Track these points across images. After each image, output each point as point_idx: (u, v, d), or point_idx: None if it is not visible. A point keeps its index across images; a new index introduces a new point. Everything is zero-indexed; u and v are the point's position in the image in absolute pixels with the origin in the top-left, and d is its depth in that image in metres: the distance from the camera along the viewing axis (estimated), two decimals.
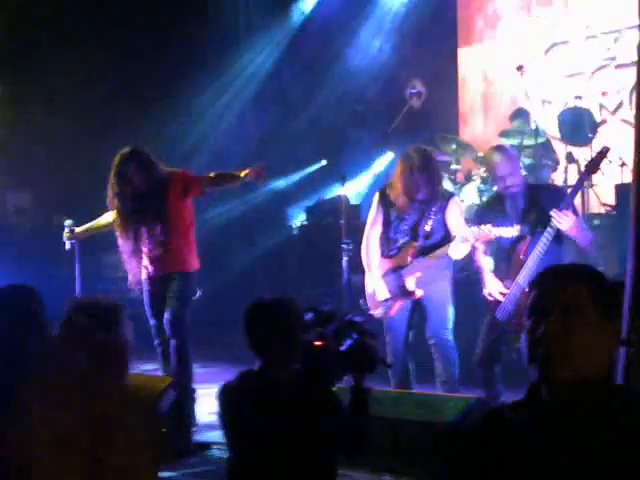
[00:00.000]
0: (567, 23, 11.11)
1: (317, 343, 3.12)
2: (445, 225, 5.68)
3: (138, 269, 5.92)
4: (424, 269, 5.63)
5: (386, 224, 5.89)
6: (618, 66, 10.69)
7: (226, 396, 3.19)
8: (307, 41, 11.35)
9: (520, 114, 9.24)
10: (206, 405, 5.64)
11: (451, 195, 5.89)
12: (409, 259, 5.72)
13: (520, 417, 2.01)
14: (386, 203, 5.87)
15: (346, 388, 3.20)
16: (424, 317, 5.82)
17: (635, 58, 4.36)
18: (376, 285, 5.87)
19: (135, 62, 11.53)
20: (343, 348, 3.09)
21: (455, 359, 5.85)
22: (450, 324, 5.82)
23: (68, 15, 11.43)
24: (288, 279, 10.25)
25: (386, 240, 5.90)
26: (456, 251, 5.49)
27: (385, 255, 5.89)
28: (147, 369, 6.55)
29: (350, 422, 3.06)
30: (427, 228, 5.66)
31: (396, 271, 5.77)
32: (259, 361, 3.14)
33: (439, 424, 4.36)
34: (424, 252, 5.66)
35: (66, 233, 6.30)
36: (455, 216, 5.69)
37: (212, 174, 6.09)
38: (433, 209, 5.64)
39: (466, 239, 5.34)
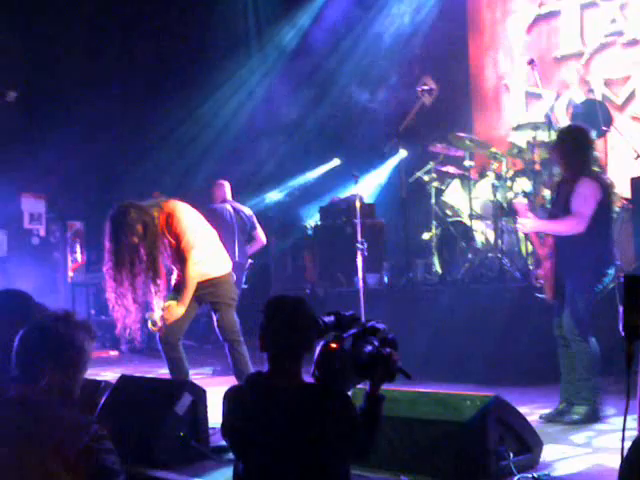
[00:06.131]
0: None
1: (332, 345, 3.10)
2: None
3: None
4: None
5: None
6: (627, 43, 9.16)
7: (233, 399, 3.17)
8: (318, 39, 11.32)
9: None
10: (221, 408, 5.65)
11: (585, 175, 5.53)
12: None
13: None
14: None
15: (362, 390, 3.17)
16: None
17: None
18: None
19: (142, 68, 11.56)
20: (363, 355, 3.06)
21: (581, 359, 5.48)
22: (580, 321, 5.46)
23: (78, 23, 11.47)
24: (303, 279, 10.23)
25: None
26: None
27: None
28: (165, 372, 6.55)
29: (359, 428, 3.02)
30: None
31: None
32: (268, 358, 3.13)
33: (456, 423, 4.32)
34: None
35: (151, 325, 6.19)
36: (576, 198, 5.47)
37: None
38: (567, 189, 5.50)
39: None
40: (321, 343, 3.15)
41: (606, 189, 5.55)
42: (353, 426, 3.00)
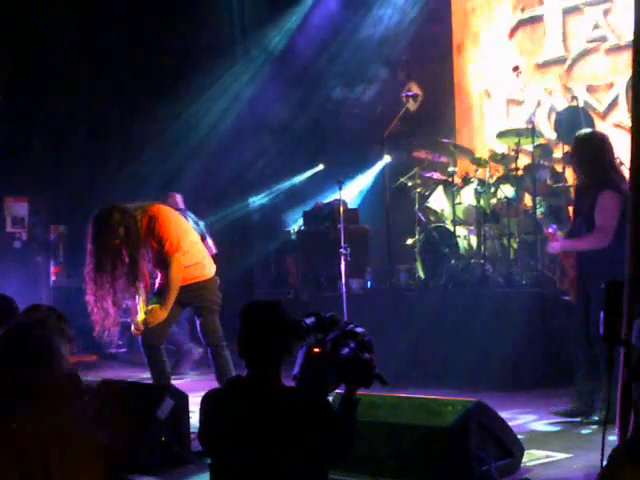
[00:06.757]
0: None
1: (315, 350, 3.10)
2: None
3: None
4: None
5: None
6: (610, 50, 9.02)
7: (211, 403, 3.16)
8: (304, 44, 11.33)
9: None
10: None
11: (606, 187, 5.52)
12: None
13: None
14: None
15: (337, 395, 3.17)
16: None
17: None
18: None
19: (127, 71, 11.53)
20: (341, 358, 3.06)
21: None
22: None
23: (63, 26, 11.42)
24: (286, 284, 10.22)
25: None
26: None
27: None
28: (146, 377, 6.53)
29: (337, 432, 3.02)
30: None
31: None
32: (246, 363, 3.13)
33: (438, 428, 4.32)
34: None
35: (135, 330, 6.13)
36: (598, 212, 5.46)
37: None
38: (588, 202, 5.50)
39: None
40: (304, 347, 3.14)
41: (627, 198, 5.56)
42: (331, 430, 3.00)
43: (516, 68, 8.43)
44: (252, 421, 3.00)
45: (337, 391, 3.24)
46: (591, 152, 5.60)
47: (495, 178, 8.53)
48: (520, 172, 8.23)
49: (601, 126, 8.81)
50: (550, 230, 5.92)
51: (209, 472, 3.17)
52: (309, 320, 3.19)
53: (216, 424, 3.10)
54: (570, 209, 8.17)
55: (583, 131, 6.17)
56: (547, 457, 4.83)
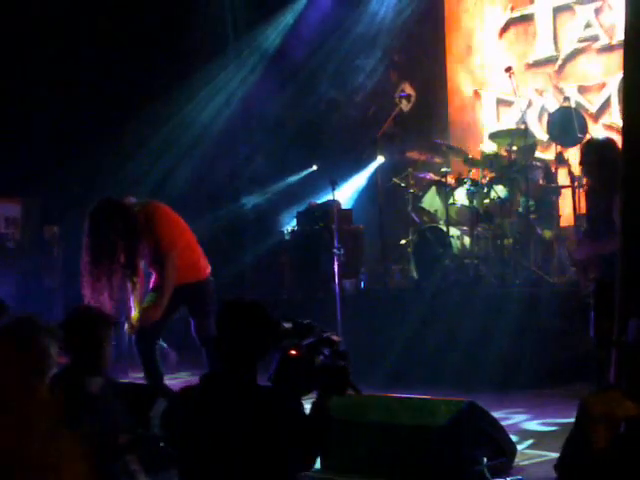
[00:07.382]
0: None
1: (292, 352, 3.10)
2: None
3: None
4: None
5: None
6: (602, 49, 8.98)
7: (183, 399, 3.15)
8: (295, 46, 11.33)
9: None
10: None
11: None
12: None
13: None
14: None
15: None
16: None
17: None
18: None
19: (120, 71, 11.52)
20: (316, 365, 3.06)
21: None
22: None
23: (55, 26, 11.41)
24: (280, 285, 10.23)
25: None
26: None
27: None
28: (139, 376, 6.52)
29: (307, 436, 3.01)
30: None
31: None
32: (222, 360, 3.12)
33: (431, 428, 4.34)
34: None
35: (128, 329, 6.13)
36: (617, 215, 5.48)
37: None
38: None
39: None
40: (281, 349, 3.14)
41: None
42: (301, 433, 2.99)
43: (509, 69, 8.43)
44: (223, 417, 2.98)
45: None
46: (599, 157, 5.61)
47: (488, 178, 8.55)
48: (513, 173, 8.24)
49: (593, 127, 8.75)
50: (578, 236, 5.95)
51: (178, 474, 3.13)
52: (286, 325, 3.19)
53: (188, 420, 3.08)
54: (560, 208, 8.24)
55: (590, 137, 6.18)
56: (540, 457, 4.85)
